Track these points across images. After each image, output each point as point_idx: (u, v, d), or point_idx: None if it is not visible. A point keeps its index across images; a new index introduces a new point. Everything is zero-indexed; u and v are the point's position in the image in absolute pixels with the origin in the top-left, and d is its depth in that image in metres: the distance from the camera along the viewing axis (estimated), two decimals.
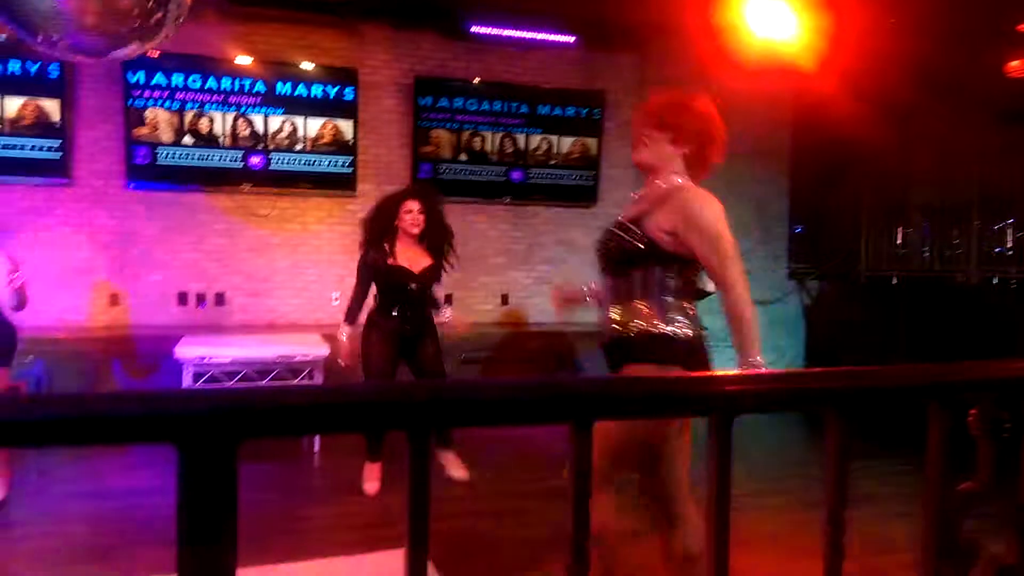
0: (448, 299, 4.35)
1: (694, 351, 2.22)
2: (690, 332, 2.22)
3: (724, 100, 7.09)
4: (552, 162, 6.65)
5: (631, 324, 2.22)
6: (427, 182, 6.10)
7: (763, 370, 2.12)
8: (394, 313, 3.97)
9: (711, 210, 2.19)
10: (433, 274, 4.08)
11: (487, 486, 4.16)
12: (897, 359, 6.67)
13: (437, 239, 4.10)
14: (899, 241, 7.01)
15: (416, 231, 4.00)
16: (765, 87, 7.14)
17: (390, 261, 3.97)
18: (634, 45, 6.75)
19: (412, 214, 3.98)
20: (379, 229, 4.04)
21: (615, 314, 2.25)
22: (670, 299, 2.22)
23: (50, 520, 3.55)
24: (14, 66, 5.38)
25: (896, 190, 7.02)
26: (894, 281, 6.98)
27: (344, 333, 4.01)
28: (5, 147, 5.40)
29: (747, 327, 2.15)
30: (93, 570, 2.99)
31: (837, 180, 7.64)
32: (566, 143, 6.65)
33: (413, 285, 3.97)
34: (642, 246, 2.20)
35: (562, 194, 6.72)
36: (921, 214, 6.89)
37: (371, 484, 4.02)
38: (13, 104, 5.40)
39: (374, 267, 3.98)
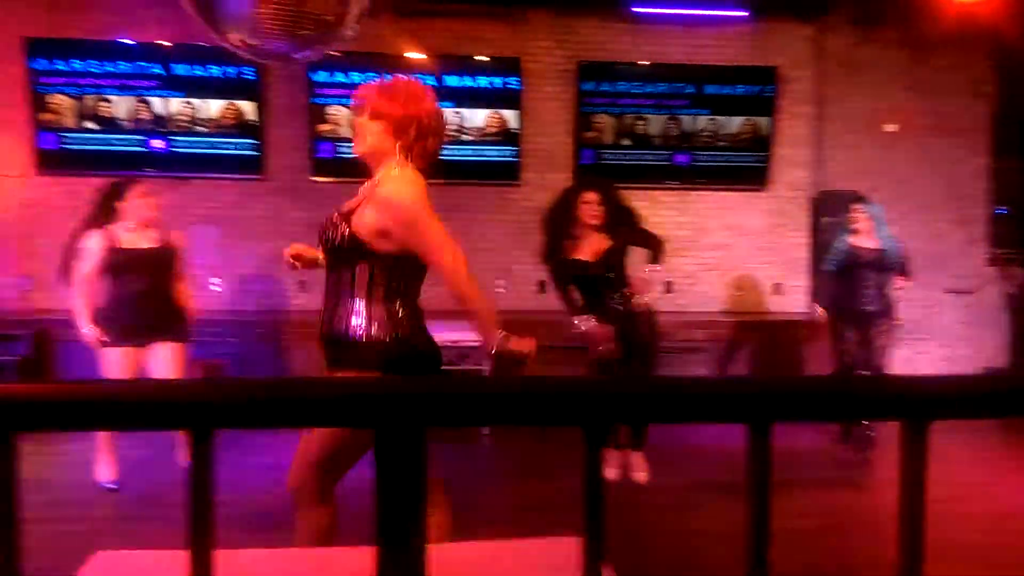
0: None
1: (407, 357, 2.12)
2: (402, 336, 2.11)
3: (913, 72, 6.56)
4: (720, 144, 6.42)
5: (345, 324, 2.11)
6: (592, 170, 6.10)
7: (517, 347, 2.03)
8: (581, 324, 3.93)
9: (406, 194, 2.10)
10: (612, 257, 4.00)
11: (659, 478, 4.13)
12: None
13: (621, 224, 4.08)
14: None
15: (596, 222, 3.99)
16: (960, 57, 6.50)
17: (569, 256, 4.02)
18: (810, 16, 6.36)
19: (590, 205, 3.99)
20: (557, 225, 4.07)
21: (330, 312, 2.15)
22: (384, 300, 2.11)
23: (240, 488, 3.89)
24: (215, 71, 5.94)
25: None
26: None
27: (582, 324, 3.91)
28: (211, 146, 5.99)
29: (478, 307, 2.09)
30: (278, 537, 3.24)
31: None
32: (735, 123, 6.40)
33: (591, 273, 4.00)
34: (346, 244, 2.09)
35: (730, 177, 6.48)
36: None
37: (640, 474, 4.11)
38: (216, 106, 5.98)
39: (561, 264, 4.03)
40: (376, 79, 2.37)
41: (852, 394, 0.64)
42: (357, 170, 7.01)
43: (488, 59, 6.15)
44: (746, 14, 6.19)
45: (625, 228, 4.08)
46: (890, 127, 6.71)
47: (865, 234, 4.83)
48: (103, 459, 3.95)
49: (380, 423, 0.62)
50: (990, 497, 3.85)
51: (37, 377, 5.24)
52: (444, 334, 5.01)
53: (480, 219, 6.34)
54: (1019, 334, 6.94)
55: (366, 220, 2.12)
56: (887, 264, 4.79)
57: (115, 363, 3.80)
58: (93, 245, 3.81)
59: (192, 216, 6.05)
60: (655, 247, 4.10)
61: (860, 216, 4.85)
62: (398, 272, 2.14)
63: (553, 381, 0.63)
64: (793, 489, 3.94)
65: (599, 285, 3.99)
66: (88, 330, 3.83)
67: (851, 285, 4.84)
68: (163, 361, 3.86)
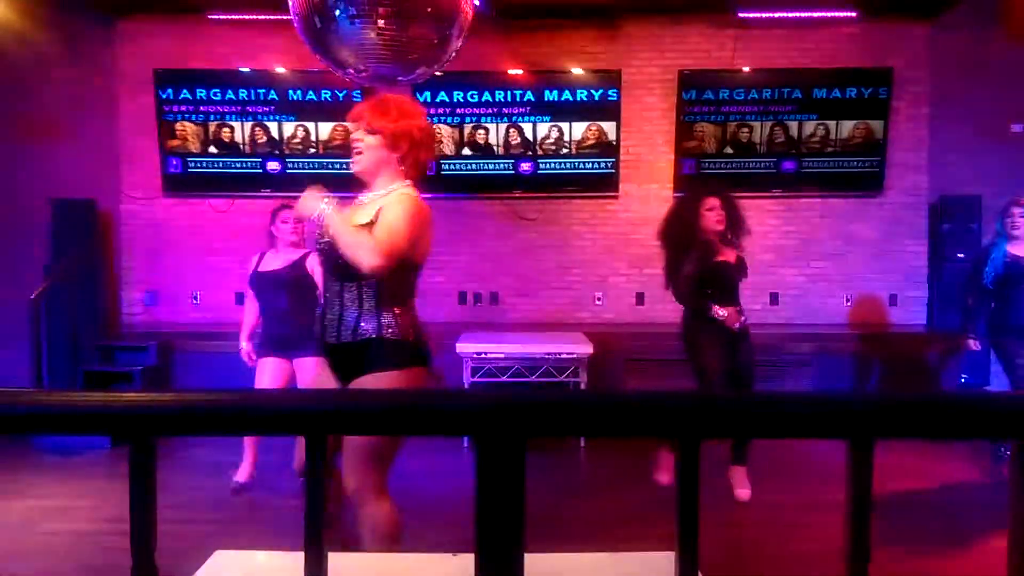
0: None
1: (418, 353, 2.38)
2: (411, 335, 2.35)
3: None
4: (829, 149, 6.19)
5: (367, 329, 2.31)
6: (693, 180, 6.02)
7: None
8: (720, 311, 3.90)
9: (405, 208, 2.29)
10: (744, 268, 4.05)
11: (763, 496, 4.00)
12: None
13: (738, 235, 4.04)
14: None
15: (721, 227, 3.96)
16: None
17: (717, 259, 3.96)
18: (926, 13, 6.06)
19: (715, 211, 3.94)
20: (681, 234, 4.01)
21: (349, 320, 2.33)
22: (396, 304, 2.34)
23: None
24: (326, 95, 6.22)
25: None
26: None
27: (720, 312, 3.88)
28: (320, 167, 6.27)
29: (349, 248, 2.24)
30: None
31: None
32: (846, 127, 6.16)
33: (737, 278, 3.99)
34: None
35: (841, 183, 6.23)
36: None
37: (742, 491, 4.01)
38: (326, 129, 6.25)
39: (702, 268, 3.93)
40: (376, 94, 2.56)
41: (959, 411, 0.62)
42: (458, 186, 7.17)
43: (587, 72, 6.17)
44: (854, 14, 5.96)
45: (738, 242, 4.03)
46: (1017, 127, 6.28)
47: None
48: (246, 459, 4.21)
49: (482, 433, 0.64)
50: None
51: (163, 386, 5.62)
52: (542, 346, 5.08)
53: (578, 231, 6.35)
54: None
55: None
56: None
57: (261, 373, 4.10)
58: (250, 268, 4.20)
59: (307, 233, 6.34)
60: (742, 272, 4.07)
61: (1021, 220, 4.31)
62: (404, 277, 2.38)
63: (650, 394, 0.64)
64: (917, 511, 3.74)
65: (726, 291, 3.95)
66: (242, 344, 4.21)
67: (1016, 299, 4.28)
68: (304, 373, 4.08)
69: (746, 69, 6.17)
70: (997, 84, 6.20)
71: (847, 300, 6.32)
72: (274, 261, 4.12)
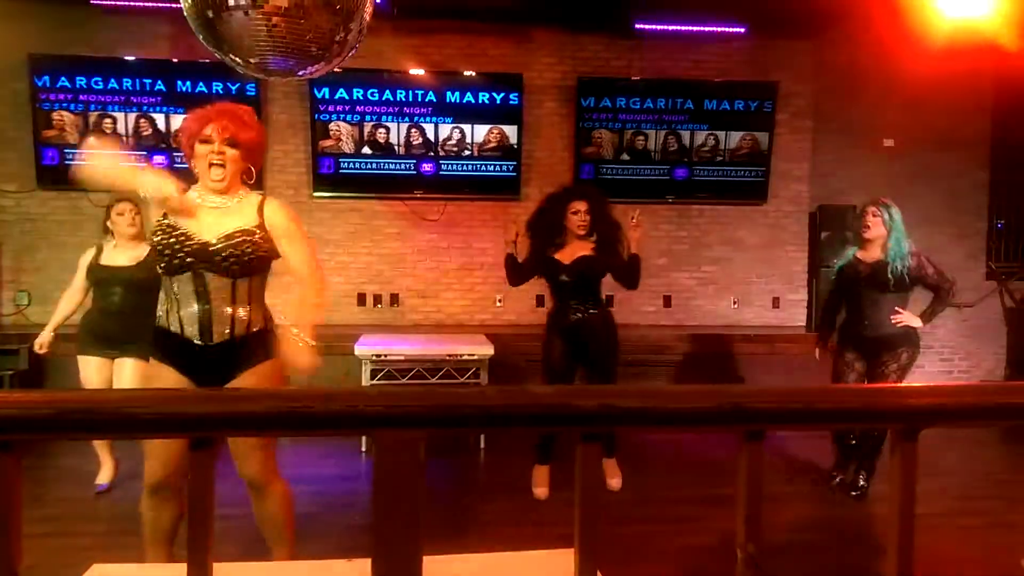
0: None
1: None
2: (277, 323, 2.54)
3: (911, 87, 6.55)
4: (719, 159, 6.45)
5: (255, 324, 2.45)
6: (588, 182, 6.13)
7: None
8: (562, 308, 4.02)
9: (294, 215, 2.57)
10: (590, 265, 3.97)
11: (654, 492, 4.12)
12: None
13: (606, 235, 4.05)
14: None
15: (583, 232, 3.98)
16: (958, 70, 6.54)
17: (550, 253, 4.00)
18: (809, 32, 6.41)
19: (579, 215, 3.95)
20: (545, 231, 4.04)
21: (241, 315, 2.42)
22: (264, 298, 2.52)
23: (242, 502, 3.87)
24: (217, 86, 5.98)
25: None
26: None
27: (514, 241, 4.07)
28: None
29: (319, 311, 2.52)
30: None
31: None
32: (734, 138, 6.43)
33: (564, 277, 3.98)
34: (261, 255, 2.43)
35: (729, 191, 6.51)
36: None
37: (541, 489, 4.05)
38: None
39: (537, 259, 4.02)
40: (219, 105, 2.62)
41: (846, 405, 0.65)
42: (358, 185, 7.01)
43: (489, 75, 6.19)
44: (743, 30, 6.24)
45: (607, 242, 4.05)
46: (888, 142, 6.75)
47: (876, 244, 3.99)
48: (103, 462, 4.09)
49: (380, 430, 0.62)
50: (985, 510, 3.85)
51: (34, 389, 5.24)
52: (442, 347, 5.05)
53: (480, 234, 6.36)
54: (1017, 348, 6.94)
55: (272, 234, 2.46)
56: (891, 283, 3.89)
57: (85, 370, 3.94)
58: (82, 260, 4.00)
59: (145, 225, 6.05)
60: (629, 276, 4.04)
61: (872, 222, 3.97)
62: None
63: (550, 390, 0.64)
64: (793, 503, 3.94)
65: (564, 288, 4.00)
66: (42, 336, 3.97)
67: (852, 306, 4.09)
68: (121, 375, 3.90)
69: (641, 78, 6.34)
70: (872, 101, 6.65)
71: (734, 303, 6.61)
72: (118, 256, 3.94)
